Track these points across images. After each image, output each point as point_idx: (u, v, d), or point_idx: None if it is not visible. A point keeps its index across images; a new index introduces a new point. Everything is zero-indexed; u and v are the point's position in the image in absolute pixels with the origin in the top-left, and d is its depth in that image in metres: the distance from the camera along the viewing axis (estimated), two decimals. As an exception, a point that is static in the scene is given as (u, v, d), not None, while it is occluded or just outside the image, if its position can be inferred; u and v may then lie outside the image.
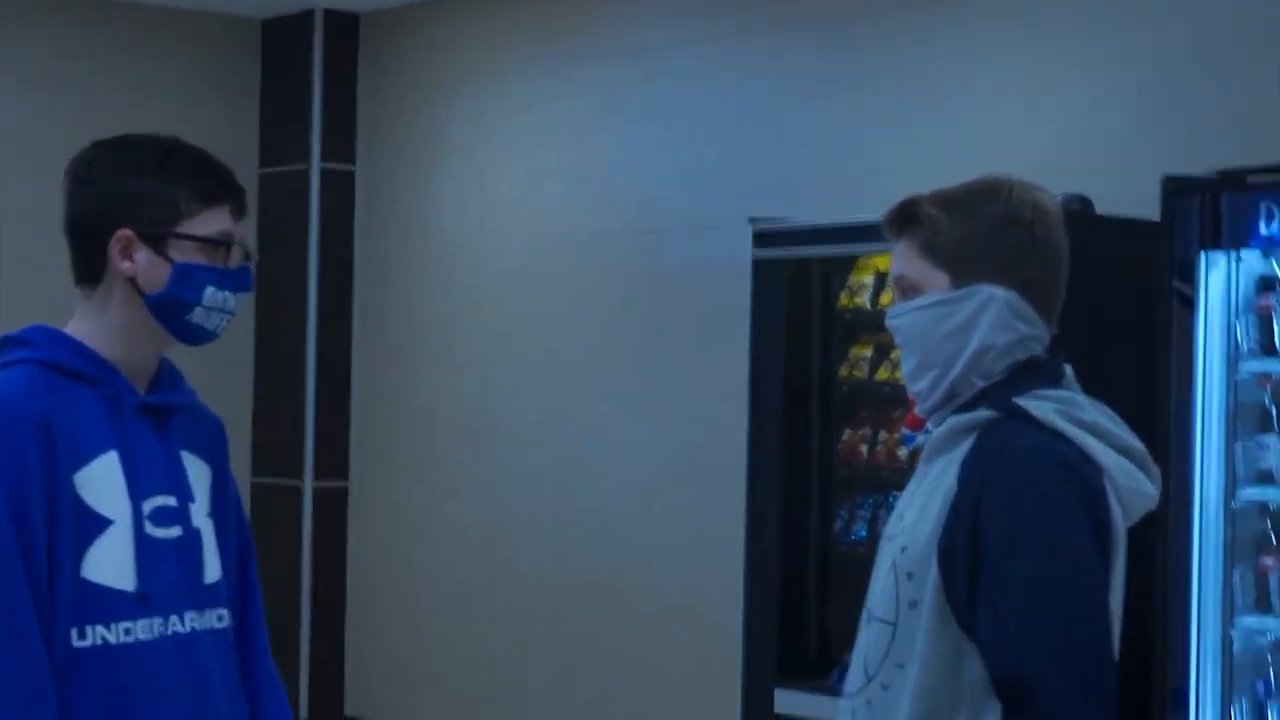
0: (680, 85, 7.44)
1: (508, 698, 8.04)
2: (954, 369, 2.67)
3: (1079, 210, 5.68)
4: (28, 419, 2.60)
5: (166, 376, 2.84)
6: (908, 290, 2.73)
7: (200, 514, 2.79)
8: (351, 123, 8.89)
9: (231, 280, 2.76)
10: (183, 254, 2.71)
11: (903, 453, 5.99)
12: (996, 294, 2.64)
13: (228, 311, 2.78)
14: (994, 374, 2.67)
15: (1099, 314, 5.54)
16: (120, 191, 2.72)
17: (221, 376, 8.79)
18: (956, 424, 2.64)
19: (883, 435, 6.09)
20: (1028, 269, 2.67)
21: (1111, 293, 5.44)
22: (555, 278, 7.92)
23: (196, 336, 2.78)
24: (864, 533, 6.15)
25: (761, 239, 6.14)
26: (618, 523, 7.57)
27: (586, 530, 7.70)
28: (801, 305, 6.27)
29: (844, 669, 6.22)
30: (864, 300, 6.11)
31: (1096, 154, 6.02)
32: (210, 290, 2.73)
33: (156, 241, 2.70)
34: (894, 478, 6.11)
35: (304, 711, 8.76)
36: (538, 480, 7.93)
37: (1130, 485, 2.63)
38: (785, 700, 6.02)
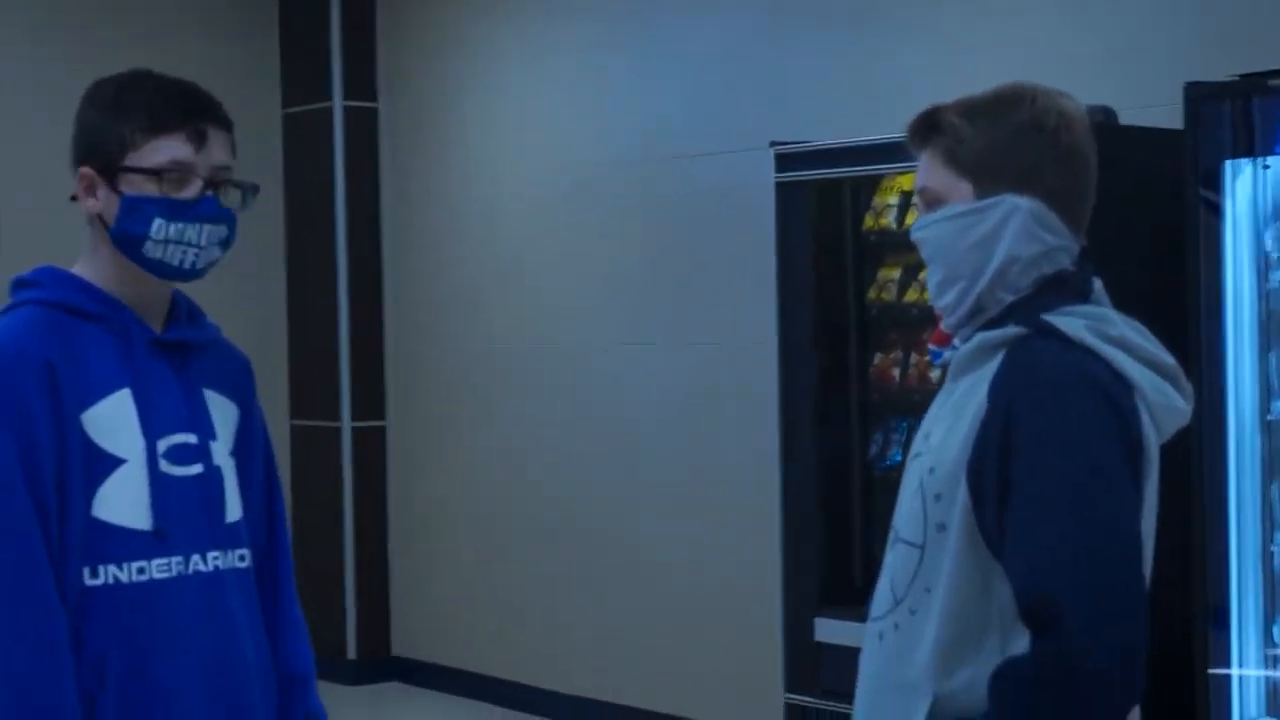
0: (700, 10, 7.34)
1: (548, 633, 8.03)
2: (980, 282, 2.60)
3: (1103, 121, 5.58)
4: (28, 361, 2.58)
5: (184, 313, 2.78)
6: (932, 202, 2.65)
7: (222, 452, 2.75)
8: (372, 59, 8.82)
9: (185, 212, 2.65)
10: (132, 187, 2.65)
11: (935, 374, 5.92)
12: (1021, 204, 2.57)
13: (190, 244, 2.65)
14: (1021, 288, 2.60)
15: (1126, 227, 5.44)
16: (84, 129, 2.71)
17: (256, 320, 8.82)
18: (984, 340, 2.57)
19: (914, 358, 6.02)
20: (1052, 178, 2.59)
21: (1138, 205, 5.34)
22: (582, 209, 7.86)
23: (164, 271, 2.68)
24: (899, 457, 6.08)
25: (784, 161, 6.06)
26: (653, 455, 7.53)
27: (622, 463, 7.66)
28: (827, 228, 6.19)
29: (883, 594, 6.17)
30: (889, 221, 6.02)
31: (1120, 64, 5.90)
32: (158, 222, 2.63)
33: (110, 175, 2.66)
34: (927, 400, 6.00)
35: (352, 653, 8.78)
36: (570, 412, 7.89)
37: (1162, 402, 2.56)
38: (825, 628, 5.97)
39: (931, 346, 2.80)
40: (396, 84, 8.77)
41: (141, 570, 2.61)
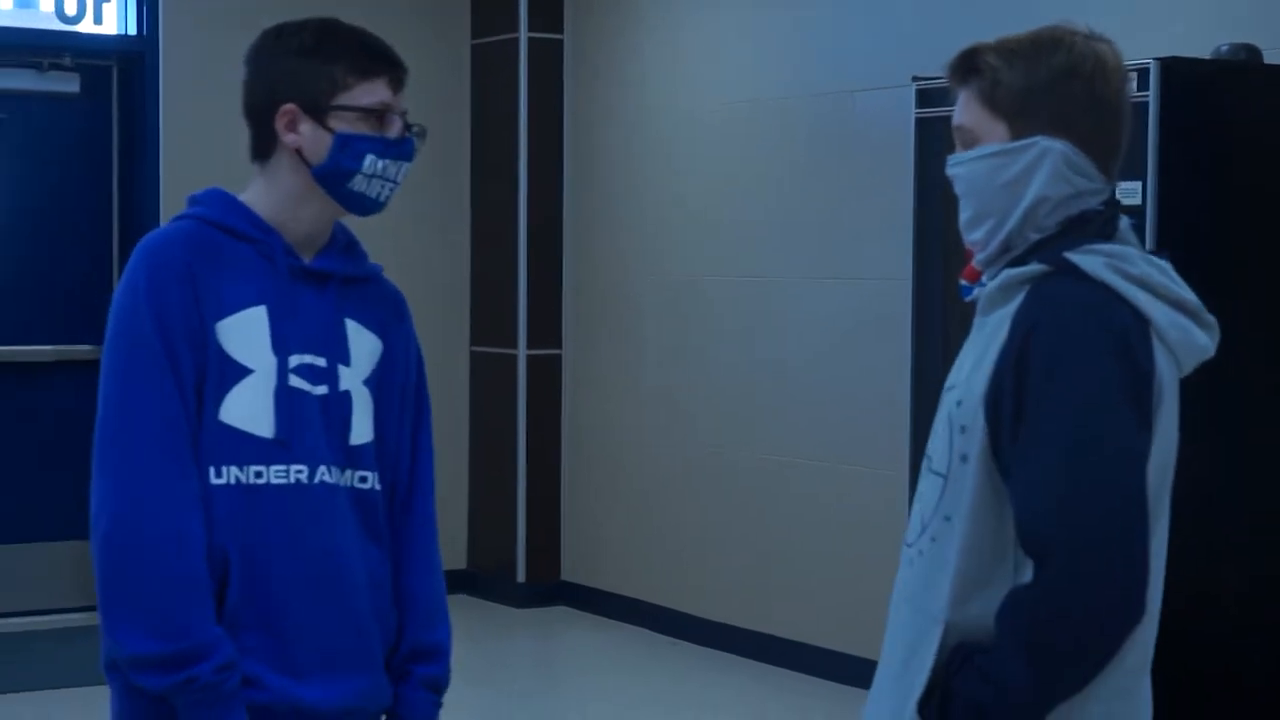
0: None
1: (712, 563, 8.12)
2: (1010, 221, 2.65)
3: (1246, 59, 5.46)
4: (174, 265, 2.78)
5: (341, 246, 2.96)
6: (968, 141, 2.69)
7: (354, 378, 2.89)
8: (559, -9, 8.94)
9: (392, 149, 2.86)
10: (343, 124, 2.83)
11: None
12: (1054, 146, 2.62)
13: (389, 179, 2.87)
14: (1048, 228, 2.65)
15: (1266, 164, 5.34)
16: (284, 70, 2.86)
17: (441, 248, 9.00)
18: (1009, 278, 2.61)
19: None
20: (1085, 123, 2.63)
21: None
22: (752, 141, 7.90)
23: (362, 205, 2.89)
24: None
25: (924, 97, 6.01)
26: (809, 388, 7.57)
27: (783, 396, 7.70)
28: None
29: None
30: (1029, 158, 5.94)
31: (1264, 3, 5.75)
32: (370, 158, 2.84)
33: (318, 114, 2.84)
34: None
35: (521, 576, 8.95)
36: (739, 345, 7.95)
37: (1180, 338, 2.59)
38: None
39: (962, 282, 2.84)
40: (581, 16, 8.86)
41: (259, 475, 2.78)
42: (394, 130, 2.86)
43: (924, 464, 2.72)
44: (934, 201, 6.05)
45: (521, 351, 8.92)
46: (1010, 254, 2.66)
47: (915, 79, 6.07)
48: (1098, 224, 2.65)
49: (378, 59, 2.87)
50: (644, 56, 8.51)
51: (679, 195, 8.30)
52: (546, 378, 8.97)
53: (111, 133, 8.53)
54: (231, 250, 2.83)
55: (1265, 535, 5.33)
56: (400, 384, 2.98)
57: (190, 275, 2.77)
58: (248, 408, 2.78)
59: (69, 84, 8.41)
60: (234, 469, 2.77)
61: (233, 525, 2.76)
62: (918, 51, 6.89)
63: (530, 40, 8.87)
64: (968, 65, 2.68)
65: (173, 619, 2.68)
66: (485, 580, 9.07)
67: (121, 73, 8.52)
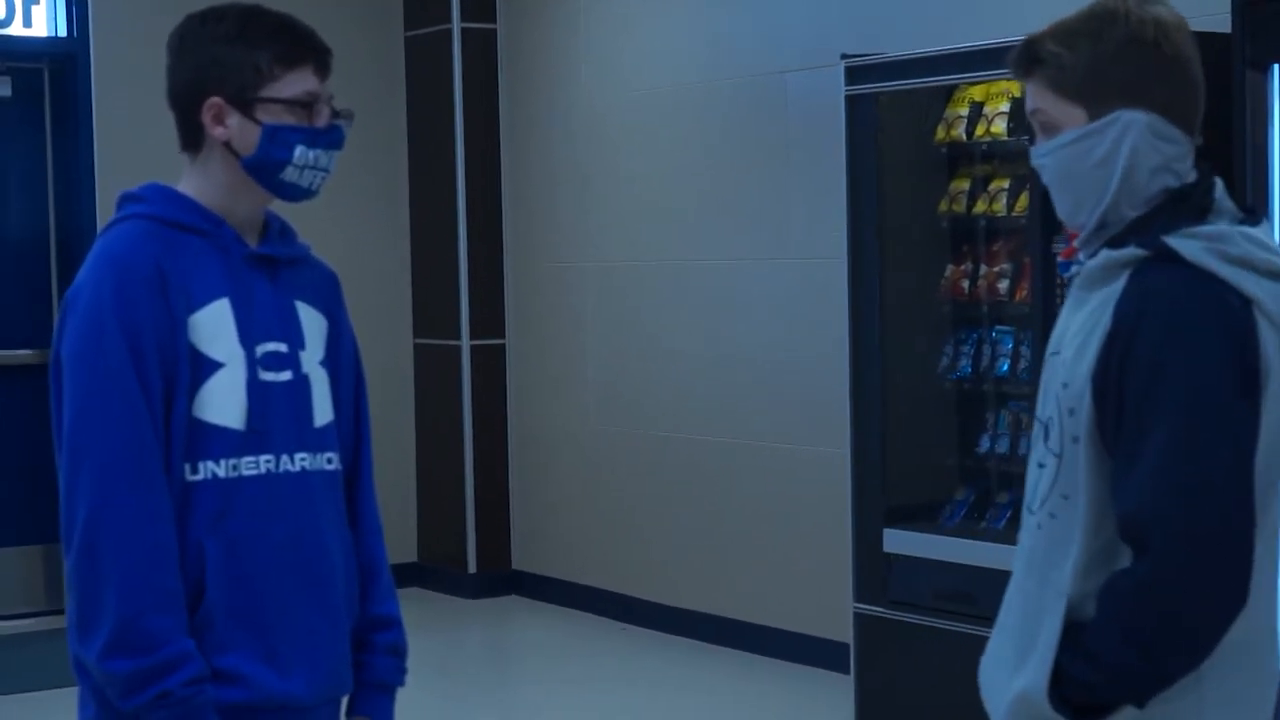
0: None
1: (660, 548, 8.14)
2: (1105, 198, 2.62)
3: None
4: (139, 268, 2.76)
5: (276, 230, 2.95)
6: (1046, 125, 2.68)
7: (311, 361, 2.91)
8: (491, -19, 8.94)
9: (321, 138, 2.85)
10: (270, 116, 2.81)
11: (1003, 286, 5.90)
12: (1136, 118, 2.58)
13: (321, 169, 2.86)
14: (1145, 200, 2.62)
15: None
16: (207, 60, 2.84)
17: (380, 240, 9.00)
18: (1109, 259, 2.60)
19: (984, 270, 5.99)
20: (1160, 87, 2.59)
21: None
22: (686, 125, 7.91)
23: (293, 194, 2.88)
24: (968, 369, 6.06)
25: (853, 74, 6.05)
26: (748, 370, 7.58)
27: (722, 379, 7.72)
28: (899, 141, 6.17)
29: (955, 506, 6.15)
30: (960, 133, 5.99)
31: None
32: (300, 149, 2.82)
33: (245, 106, 2.81)
34: (996, 313, 6.01)
35: (473, 567, 8.95)
36: (676, 326, 7.97)
37: None
38: (894, 540, 6.00)
39: (1060, 260, 2.81)
40: (514, 5, 8.86)
41: (234, 467, 2.78)
42: (322, 119, 2.85)
43: (1036, 426, 2.73)
44: (867, 179, 6.09)
45: (465, 342, 8.93)
46: (1106, 231, 2.65)
47: (844, 57, 6.11)
48: (1195, 200, 2.61)
49: (303, 46, 2.85)
50: (578, 44, 8.52)
51: (617, 181, 8.32)
52: (491, 368, 8.98)
53: (45, 135, 8.49)
54: (185, 244, 2.81)
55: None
56: (346, 359, 3.00)
57: (160, 276, 2.75)
58: (222, 402, 2.77)
59: (0, 88, 8.37)
60: (210, 464, 2.76)
61: (211, 520, 2.76)
62: (846, 30, 6.93)
63: (464, 30, 8.86)
64: (1030, 56, 2.66)
65: (143, 634, 2.67)
66: (436, 572, 9.07)
67: (53, 74, 8.47)
